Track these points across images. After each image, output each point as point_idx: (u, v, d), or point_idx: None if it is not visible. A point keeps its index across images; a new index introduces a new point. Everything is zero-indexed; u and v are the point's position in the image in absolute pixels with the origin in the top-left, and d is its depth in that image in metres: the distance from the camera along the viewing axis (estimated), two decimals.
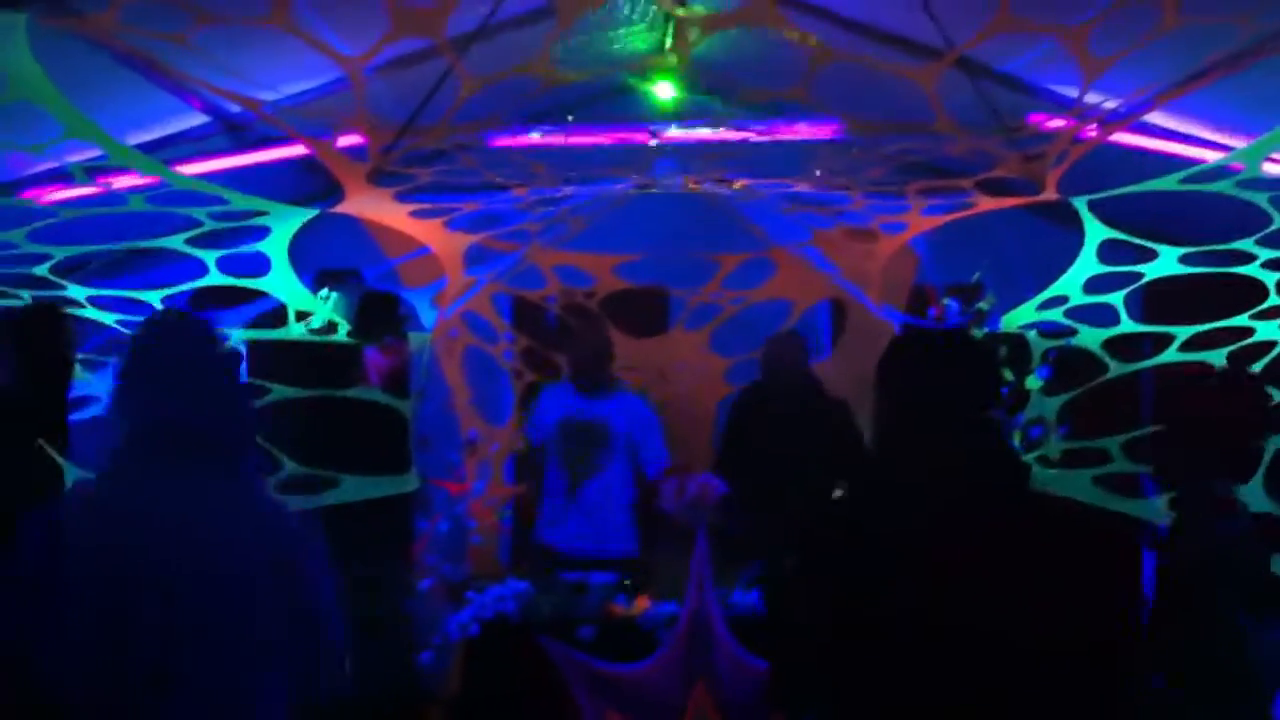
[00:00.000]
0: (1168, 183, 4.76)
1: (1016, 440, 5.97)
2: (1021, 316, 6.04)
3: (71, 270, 5.30)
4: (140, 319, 5.37)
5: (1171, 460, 4.14)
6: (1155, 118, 5.48)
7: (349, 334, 5.89)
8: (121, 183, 4.68)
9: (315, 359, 5.80)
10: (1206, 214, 5.10)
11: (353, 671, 2.96)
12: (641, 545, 6.35)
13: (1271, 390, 5.20)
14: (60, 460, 4.98)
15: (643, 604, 5.35)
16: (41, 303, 4.25)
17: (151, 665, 2.49)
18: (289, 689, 2.70)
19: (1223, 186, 4.71)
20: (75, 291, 5.23)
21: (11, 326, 3.34)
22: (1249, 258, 5.15)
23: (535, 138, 5.67)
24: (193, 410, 2.63)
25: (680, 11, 4.33)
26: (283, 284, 5.54)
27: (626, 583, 5.56)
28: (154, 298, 5.39)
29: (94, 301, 5.30)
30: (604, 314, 7.54)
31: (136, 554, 2.50)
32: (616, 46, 5.06)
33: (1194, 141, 5.59)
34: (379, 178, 5.06)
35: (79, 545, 2.48)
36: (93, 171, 4.54)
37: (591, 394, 6.45)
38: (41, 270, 5.03)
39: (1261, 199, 4.71)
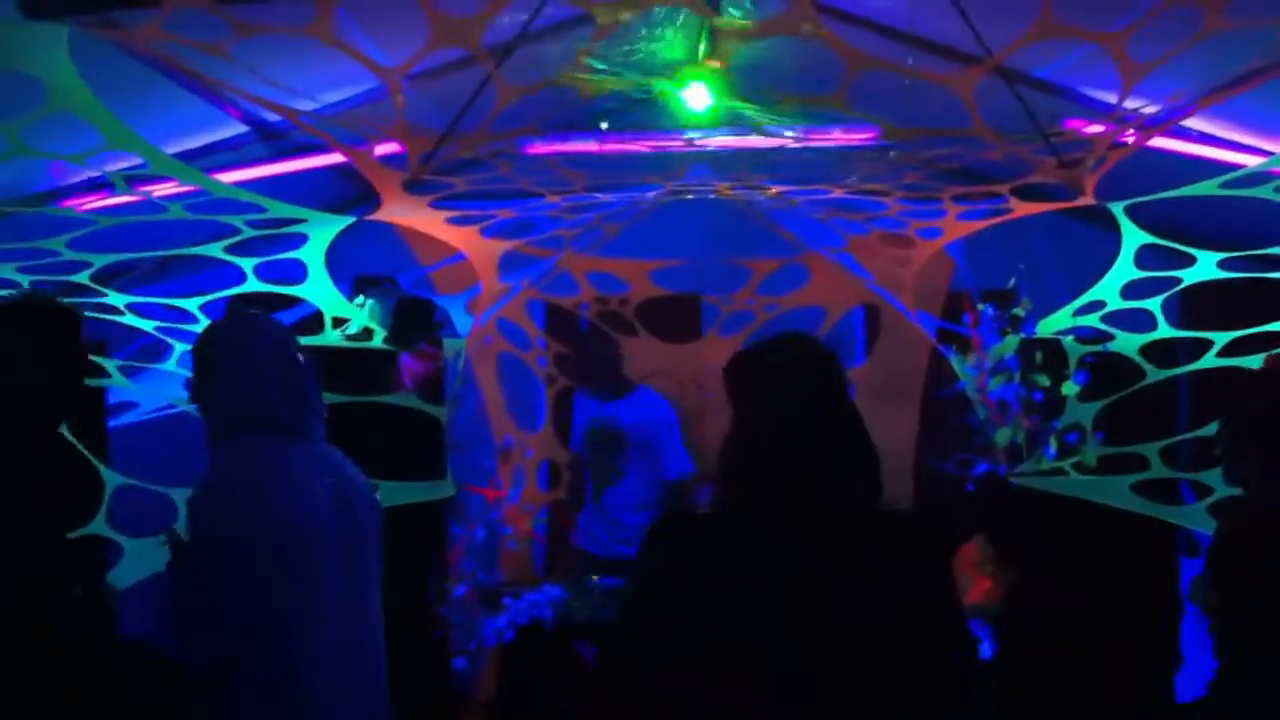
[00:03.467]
0: (1207, 187, 4.73)
1: (1053, 447, 5.95)
2: (1058, 322, 6.01)
3: (112, 277, 5.35)
4: (184, 324, 5.45)
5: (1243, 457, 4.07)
6: (1193, 122, 5.44)
7: (385, 340, 5.92)
8: (161, 191, 4.72)
9: (351, 365, 5.83)
10: (1243, 218, 5.07)
11: (390, 675, 3.46)
12: None
13: None
14: (100, 466, 5.05)
15: None
16: (34, 294, 4.29)
17: (306, 603, 3.03)
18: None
19: (1263, 192, 4.68)
20: (115, 298, 5.28)
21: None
22: None
23: (570, 145, 5.67)
24: (276, 395, 3.11)
25: (717, 22, 4.33)
26: (319, 291, 5.57)
27: None
28: (193, 304, 5.43)
29: (133, 308, 5.35)
30: (633, 319, 7.56)
31: (276, 515, 3.00)
32: (651, 54, 5.06)
33: (1233, 146, 5.54)
34: (415, 185, 5.08)
35: (229, 518, 2.96)
36: (133, 180, 4.58)
37: (608, 399, 6.48)
38: (82, 278, 5.08)
39: None
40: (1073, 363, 6.02)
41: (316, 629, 3.05)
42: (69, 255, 4.85)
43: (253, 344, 3.17)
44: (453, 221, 5.68)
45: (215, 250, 5.12)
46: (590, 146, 5.68)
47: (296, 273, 5.44)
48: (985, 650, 5.47)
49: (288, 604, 3.00)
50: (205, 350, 3.23)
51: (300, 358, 3.27)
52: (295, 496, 3.06)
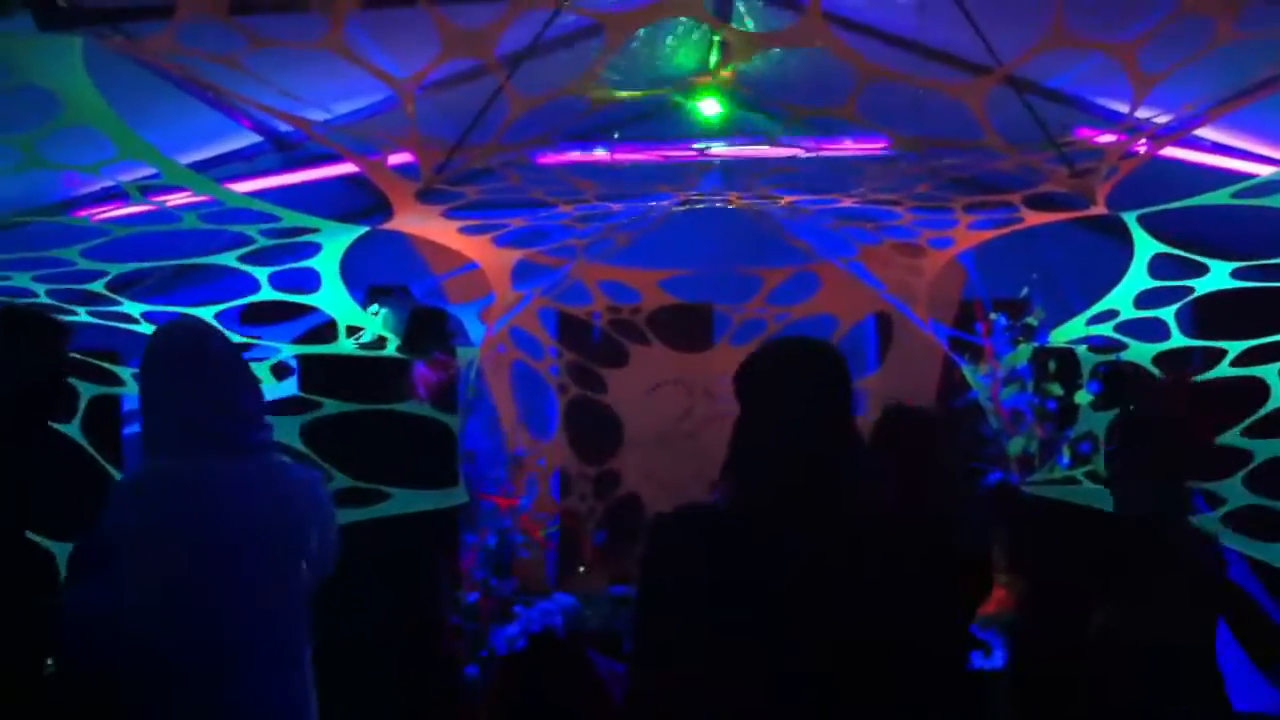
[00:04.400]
0: (1219, 197, 4.73)
1: (1066, 456, 5.94)
2: (1071, 331, 6.00)
3: (126, 286, 5.38)
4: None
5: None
6: (1205, 131, 5.44)
7: (398, 349, 5.94)
8: (175, 201, 4.74)
9: (365, 373, 5.85)
10: (1258, 227, 5.06)
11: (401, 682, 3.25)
12: None
13: None
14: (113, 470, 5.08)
15: None
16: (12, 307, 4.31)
17: (206, 614, 2.99)
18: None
19: (1275, 201, 4.67)
20: (130, 307, 5.31)
21: None
22: None
23: (582, 155, 5.69)
24: (203, 408, 3.07)
25: (726, 33, 4.35)
26: (333, 299, 5.59)
27: None
28: (208, 313, 5.46)
29: (148, 317, 5.37)
30: (645, 328, 7.58)
31: (182, 525, 2.99)
32: (663, 64, 5.08)
33: (1246, 156, 5.53)
34: (428, 195, 5.10)
35: (136, 523, 2.99)
36: (147, 190, 4.61)
37: None
38: (97, 287, 5.11)
39: None
40: (1085, 372, 6.01)
41: (214, 645, 3.02)
42: (84, 264, 4.88)
43: (172, 361, 3.13)
44: (465, 231, 5.70)
45: (229, 259, 5.14)
46: (602, 156, 5.69)
47: (310, 282, 5.46)
48: (997, 659, 5.45)
49: (178, 616, 2.99)
50: (141, 367, 3.21)
51: (233, 371, 3.22)
52: (182, 514, 3.01)
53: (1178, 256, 5.31)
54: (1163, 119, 4.74)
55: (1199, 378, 5.78)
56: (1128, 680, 3.64)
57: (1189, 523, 4.04)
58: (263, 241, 5.01)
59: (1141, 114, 4.42)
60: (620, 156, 5.72)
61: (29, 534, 3.53)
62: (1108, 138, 4.93)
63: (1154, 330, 5.76)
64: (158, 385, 3.12)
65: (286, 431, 5.68)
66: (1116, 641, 3.71)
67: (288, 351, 5.92)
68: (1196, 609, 3.75)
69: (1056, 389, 6.16)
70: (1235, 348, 5.60)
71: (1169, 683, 3.60)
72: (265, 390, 5.82)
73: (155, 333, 3.28)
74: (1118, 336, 5.87)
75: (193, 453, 3.06)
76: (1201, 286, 5.45)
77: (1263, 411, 5.53)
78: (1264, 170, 5.07)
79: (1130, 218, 5.09)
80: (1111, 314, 5.78)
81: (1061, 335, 6.06)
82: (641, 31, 4.40)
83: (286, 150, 5.85)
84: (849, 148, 5.41)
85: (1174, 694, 3.60)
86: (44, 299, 5.15)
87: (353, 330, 5.84)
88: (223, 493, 3.07)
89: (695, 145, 5.52)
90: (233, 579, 3.04)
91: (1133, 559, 3.76)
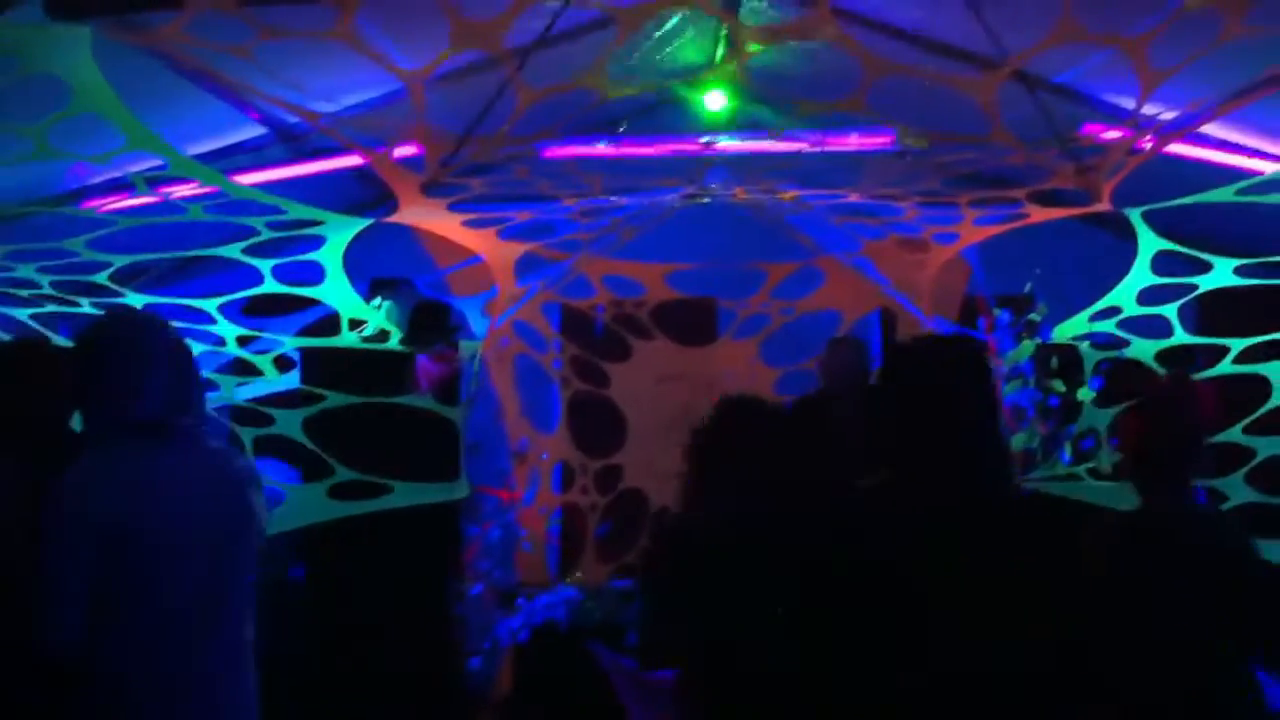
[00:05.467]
0: (1223, 194, 4.73)
1: (1068, 452, 5.94)
2: (1074, 327, 6.00)
3: (130, 278, 5.38)
4: (202, 324, 5.48)
5: None
6: (1211, 128, 5.44)
7: (401, 342, 5.94)
8: (181, 192, 4.74)
9: (368, 367, 5.86)
10: (1263, 224, 5.07)
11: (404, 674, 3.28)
12: None
13: None
14: None
15: None
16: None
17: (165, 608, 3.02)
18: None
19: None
20: (133, 299, 5.31)
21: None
22: None
23: (587, 149, 5.69)
24: (142, 401, 3.08)
25: (735, 25, 4.34)
26: (337, 292, 5.59)
27: None
28: (211, 305, 5.46)
29: (152, 309, 5.37)
30: (649, 322, 7.58)
31: (124, 518, 2.97)
32: (670, 58, 5.08)
33: (1251, 153, 5.54)
34: (433, 188, 5.10)
35: (80, 512, 2.95)
36: (153, 181, 4.61)
37: None
38: (101, 278, 5.11)
39: None
40: (1088, 368, 6.02)
41: (159, 628, 3.04)
42: (88, 255, 4.88)
43: (119, 350, 3.14)
44: (470, 224, 5.70)
45: (234, 251, 5.14)
46: (608, 150, 5.69)
47: (314, 274, 5.46)
48: None
49: (125, 601, 3.00)
50: (79, 356, 3.21)
51: (182, 361, 3.24)
52: (132, 500, 3.02)
53: (1181, 253, 5.32)
54: (1169, 115, 4.73)
55: (1202, 374, 5.80)
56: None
57: (1204, 511, 4.01)
58: (267, 234, 5.01)
59: (1148, 110, 4.42)
60: (626, 150, 5.71)
61: None
62: (1114, 134, 4.93)
63: (1157, 327, 5.77)
64: (104, 376, 3.12)
65: (289, 425, 5.69)
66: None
67: (290, 344, 5.93)
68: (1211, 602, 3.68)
69: (1059, 385, 6.16)
70: (1237, 345, 5.62)
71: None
72: (268, 384, 5.88)
73: (98, 323, 3.30)
74: (1120, 333, 5.87)
75: (136, 443, 3.08)
76: (1205, 283, 5.46)
77: (1265, 409, 5.54)
78: (1269, 167, 5.07)
79: (1135, 214, 5.09)
80: (1115, 310, 5.79)
81: (1064, 331, 6.06)
82: (650, 24, 4.39)
83: (292, 142, 5.84)
84: (855, 143, 5.40)
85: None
86: (47, 290, 5.15)
87: (356, 323, 5.84)
88: (175, 483, 3.10)
89: (701, 139, 5.51)
90: (187, 570, 3.08)
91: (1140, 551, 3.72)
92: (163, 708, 3.04)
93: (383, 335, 5.89)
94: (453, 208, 5.41)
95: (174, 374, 3.16)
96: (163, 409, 3.11)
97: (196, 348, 5.59)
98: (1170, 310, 5.67)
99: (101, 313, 5.25)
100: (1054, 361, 6.20)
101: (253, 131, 5.75)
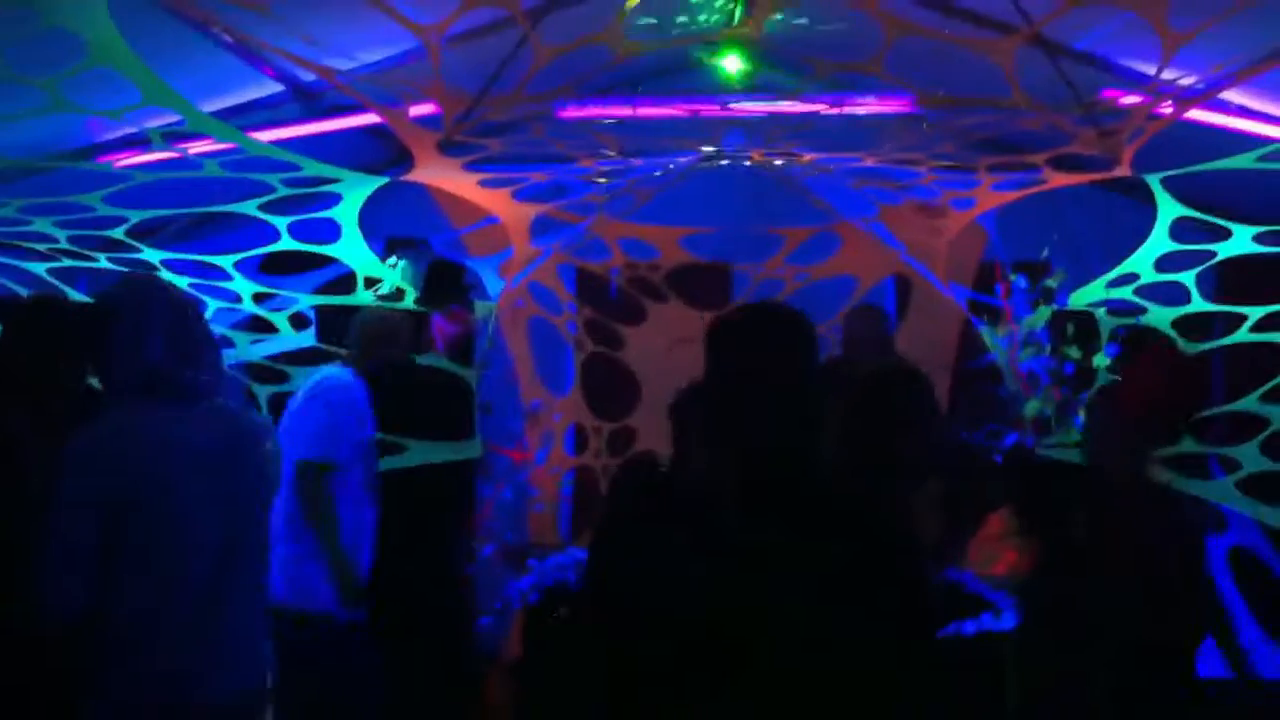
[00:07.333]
0: (1243, 160, 4.69)
1: (1082, 419, 5.93)
2: (1090, 294, 5.97)
3: (147, 234, 5.38)
4: (218, 280, 5.49)
5: None
6: (1232, 94, 5.39)
7: (416, 301, 5.95)
8: (197, 148, 4.74)
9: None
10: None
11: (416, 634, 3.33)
12: None
13: None
14: None
15: None
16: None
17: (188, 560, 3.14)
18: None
19: None
20: (150, 254, 5.32)
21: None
22: None
23: (604, 109, 5.66)
24: (159, 361, 3.19)
25: None
26: (352, 250, 5.60)
27: None
28: (227, 262, 5.47)
29: (168, 265, 5.39)
30: (663, 285, 7.57)
31: (136, 477, 3.07)
32: (687, 18, 5.04)
33: (1272, 120, 5.49)
34: (449, 147, 5.09)
35: (86, 473, 3.04)
36: (170, 137, 4.60)
37: None
38: (118, 233, 5.12)
39: None
40: (1104, 335, 6.00)
41: (179, 583, 3.13)
42: (104, 210, 4.89)
43: (136, 313, 3.24)
44: (486, 184, 5.69)
45: (250, 208, 5.14)
46: (625, 110, 5.66)
47: (330, 232, 5.46)
48: (1007, 620, 5.47)
49: (141, 559, 3.08)
50: (95, 320, 3.31)
51: (190, 321, 3.34)
52: (152, 459, 3.11)
53: (1200, 220, 5.29)
54: (1189, 80, 4.69)
55: (1209, 345, 5.80)
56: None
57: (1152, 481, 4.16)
58: (284, 191, 5.01)
59: (1168, 75, 4.39)
60: (643, 111, 5.68)
61: None
62: (1134, 99, 4.89)
63: (1174, 294, 5.74)
64: (124, 335, 3.21)
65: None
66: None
67: (306, 302, 5.94)
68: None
69: (1074, 352, 6.14)
70: (1256, 313, 5.59)
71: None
72: (283, 340, 5.89)
73: (116, 286, 3.41)
74: (1137, 300, 5.85)
75: (150, 401, 3.18)
76: (1224, 250, 5.43)
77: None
78: None
79: (1154, 180, 5.06)
80: (1132, 277, 5.76)
81: (1081, 298, 6.03)
82: None
83: (310, 100, 5.83)
84: (873, 105, 5.36)
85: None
86: (64, 244, 5.16)
87: (371, 282, 5.85)
88: (190, 440, 3.20)
89: (720, 101, 5.48)
90: (202, 526, 3.18)
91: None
92: (177, 664, 3.11)
93: (398, 294, 5.90)
94: (468, 167, 5.40)
95: (178, 329, 3.26)
96: (165, 362, 3.19)
97: (212, 304, 5.63)
98: (1188, 277, 5.64)
99: (117, 268, 5.29)
100: (1070, 328, 6.18)
101: (269, 88, 5.74)
